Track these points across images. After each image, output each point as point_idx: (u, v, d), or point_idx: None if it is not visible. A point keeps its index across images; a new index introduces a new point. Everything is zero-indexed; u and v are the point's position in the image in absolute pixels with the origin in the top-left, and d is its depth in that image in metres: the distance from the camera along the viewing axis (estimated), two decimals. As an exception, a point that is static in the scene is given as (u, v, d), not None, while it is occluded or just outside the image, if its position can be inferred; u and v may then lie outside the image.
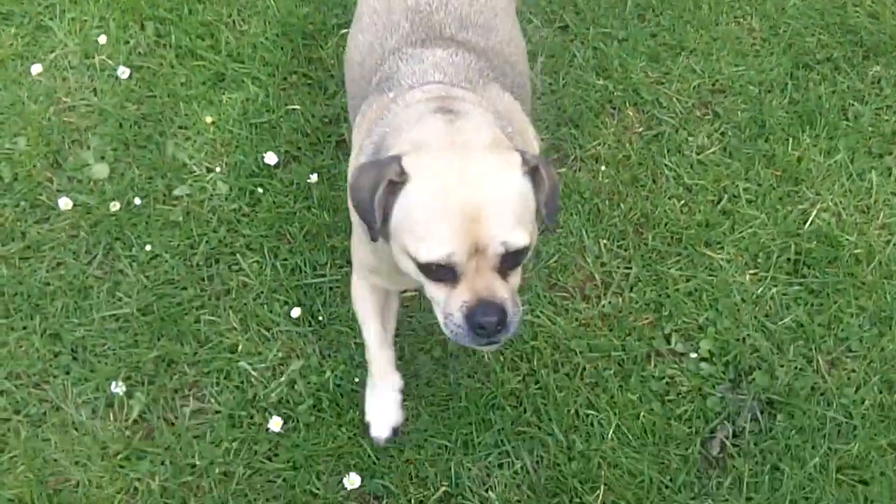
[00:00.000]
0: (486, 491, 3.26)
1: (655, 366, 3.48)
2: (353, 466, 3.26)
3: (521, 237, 2.31)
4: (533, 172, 2.38)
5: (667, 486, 3.23)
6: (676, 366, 3.48)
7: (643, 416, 3.36)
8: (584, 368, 3.46)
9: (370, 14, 3.05)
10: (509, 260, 2.34)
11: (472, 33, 2.95)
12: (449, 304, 2.38)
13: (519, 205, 2.34)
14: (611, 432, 3.34)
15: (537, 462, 3.31)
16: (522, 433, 3.35)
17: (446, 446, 3.33)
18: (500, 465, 3.31)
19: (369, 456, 3.27)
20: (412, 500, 3.26)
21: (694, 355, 3.49)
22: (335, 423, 3.33)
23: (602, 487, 3.24)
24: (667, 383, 3.44)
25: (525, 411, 3.39)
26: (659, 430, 3.34)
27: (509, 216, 2.30)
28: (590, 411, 3.38)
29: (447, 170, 2.31)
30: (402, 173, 2.31)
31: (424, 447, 3.33)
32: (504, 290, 2.37)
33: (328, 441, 3.31)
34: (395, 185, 2.32)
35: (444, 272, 2.34)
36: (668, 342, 3.53)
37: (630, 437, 3.33)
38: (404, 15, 2.95)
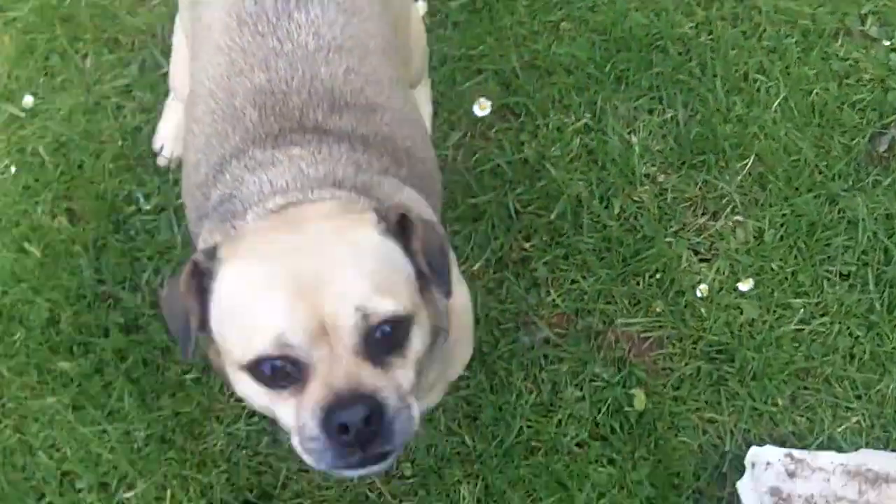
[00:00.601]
0: (629, 133, 3.09)
1: (842, 45, 3.18)
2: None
3: (384, 303, 1.61)
4: (399, 228, 1.73)
5: (820, 172, 3.03)
6: (864, 50, 3.17)
7: (815, 94, 3.11)
8: (765, 30, 3.17)
9: (205, 98, 2.12)
10: (380, 340, 1.63)
11: (347, 117, 2.05)
12: (300, 415, 1.62)
13: (377, 266, 1.67)
14: (776, 103, 3.10)
15: (690, 116, 3.10)
16: (682, 82, 3.13)
17: (597, 78, 3.13)
18: (650, 111, 3.12)
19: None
20: (550, 125, 3.10)
21: (887, 43, 3.17)
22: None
23: (752, 157, 3.05)
24: (850, 66, 3.16)
25: (690, 60, 3.14)
26: (828, 112, 3.09)
27: (363, 278, 1.62)
28: (759, 76, 3.13)
29: (272, 244, 1.68)
30: (213, 258, 1.68)
31: (574, 73, 3.13)
32: (376, 379, 1.62)
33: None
34: (206, 279, 1.69)
35: (284, 372, 1.62)
36: (863, 23, 3.21)
37: (795, 112, 3.09)
38: (249, 99, 2.03)
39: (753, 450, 2.54)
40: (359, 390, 1.58)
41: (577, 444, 2.70)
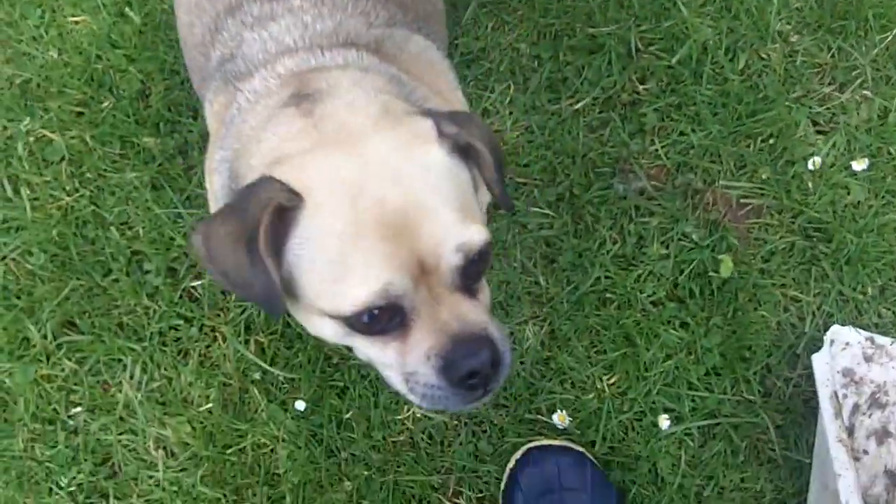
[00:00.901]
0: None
1: None
2: None
3: (478, 232, 1.49)
4: (456, 141, 1.56)
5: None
6: None
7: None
8: None
9: None
10: (471, 270, 1.52)
11: None
12: (408, 361, 1.52)
13: (455, 191, 1.52)
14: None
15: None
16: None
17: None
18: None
19: None
20: None
21: None
22: None
23: (895, 31, 2.77)
24: None
25: None
26: None
27: (451, 208, 1.48)
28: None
29: (337, 174, 1.46)
30: (292, 195, 1.46)
31: None
32: (480, 313, 1.55)
33: None
34: (283, 216, 1.47)
35: (386, 319, 1.49)
36: None
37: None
38: None
39: (835, 328, 2.41)
40: (473, 331, 1.50)
41: (653, 303, 2.58)
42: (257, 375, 2.51)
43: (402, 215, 1.44)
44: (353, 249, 1.43)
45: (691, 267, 2.59)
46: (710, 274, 2.58)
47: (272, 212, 1.44)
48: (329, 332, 1.55)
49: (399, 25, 1.86)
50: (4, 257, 2.61)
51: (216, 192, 1.77)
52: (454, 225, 1.47)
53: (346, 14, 1.79)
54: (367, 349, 1.56)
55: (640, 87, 2.74)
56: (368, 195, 1.44)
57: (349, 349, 1.63)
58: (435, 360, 1.49)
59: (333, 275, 1.45)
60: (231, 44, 1.80)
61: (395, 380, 1.58)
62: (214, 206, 1.81)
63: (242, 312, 2.55)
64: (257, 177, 1.50)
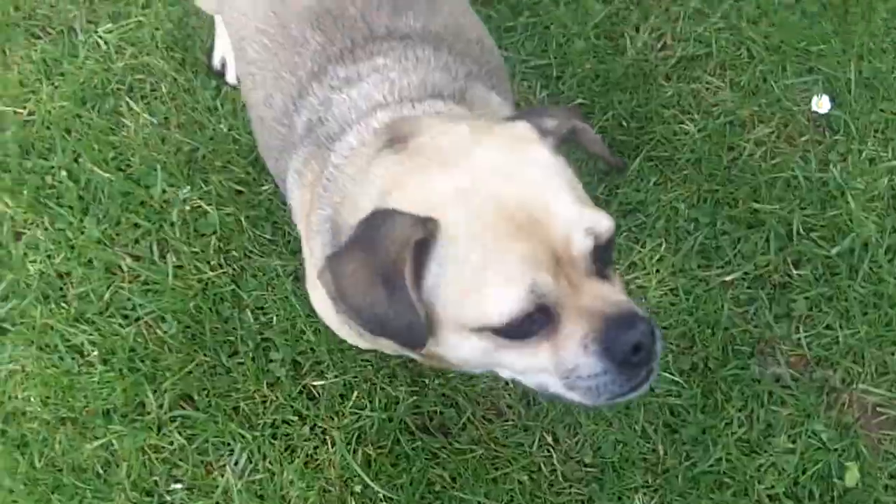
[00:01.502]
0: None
1: None
2: None
3: (604, 216, 1.44)
4: (558, 133, 1.53)
5: None
6: None
7: None
8: None
9: (256, 37, 1.93)
10: (602, 254, 1.46)
11: (413, 17, 1.86)
12: (564, 357, 1.44)
13: (567, 183, 1.47)
14: None
15: None
16: None
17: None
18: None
19: None
20: (864, 154, 2.75)
21: None
22: None
23: None
24: None
25: None
26: None
27: (572, 198, 1.44)
28: None
29: (456, 184, 1.43)
30: (426, 225, 1.40)
31: (910, 106, 2.68)
32: (620, 293, 1.49)
33: None
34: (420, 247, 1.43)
35: (533, 319, 1.42)
36: None
37: None
38: (306, 22, 1.84)
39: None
40: (622, 309, 1.42)
41: (770, 497, 2.41)
42: (358, 488, 2.39)
43: (526, 212, 1.39)
44: (490, 256, 1.38)
45: (816, 468, 2.41)
46: (835, 480, 2.40)
47: (413, 248, 1.39)
48: (476, 352, 1.48)
49: (476, 79, 1.85)
50: (139, 318, 2.55)
51: (318, 253, 1.73)
52: (579, 211, 1.42)
53: (430, 68, 1.78)
54: (516, 360, 1.48)
55: (794, 272, 2.59)
56: (489, 200, 1.40)
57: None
58: (593, 345, 1.42)
59: (475, 284, 1.40)
60: (319, 108, 1.78)
61: (552, 383, 1.49)
62: (313, 271, 1.77)
63: (357, 420, 2.44)
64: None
